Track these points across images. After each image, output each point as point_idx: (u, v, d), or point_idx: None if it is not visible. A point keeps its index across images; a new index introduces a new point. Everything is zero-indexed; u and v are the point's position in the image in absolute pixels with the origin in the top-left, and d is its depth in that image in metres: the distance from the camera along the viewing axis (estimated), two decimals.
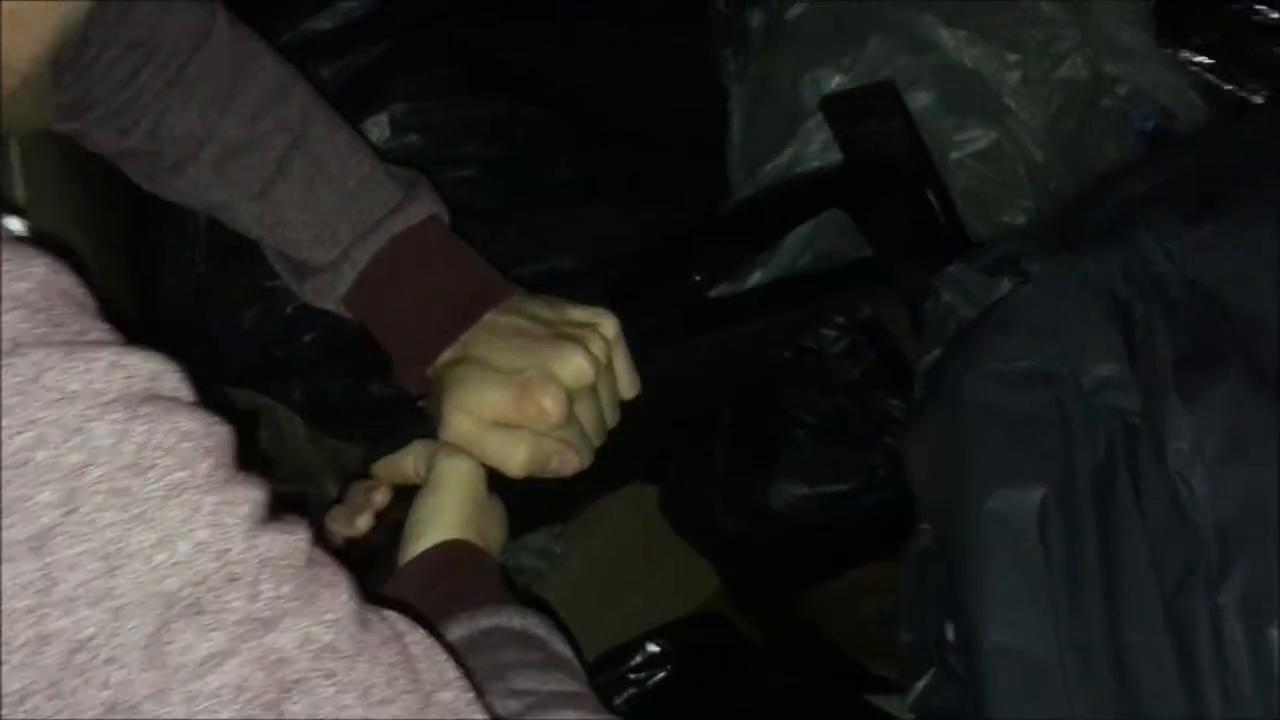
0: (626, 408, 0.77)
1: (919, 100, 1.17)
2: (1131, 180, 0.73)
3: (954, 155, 1.19)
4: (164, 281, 1.07)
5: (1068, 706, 0.57)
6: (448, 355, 0.73)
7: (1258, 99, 0.94)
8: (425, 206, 0.77)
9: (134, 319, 1.07)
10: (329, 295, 0.77)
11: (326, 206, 0.76)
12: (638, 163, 1.22)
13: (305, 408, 1.05)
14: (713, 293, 1.13)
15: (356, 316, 0.78)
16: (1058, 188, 1.19)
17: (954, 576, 0.62)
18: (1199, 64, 0.98)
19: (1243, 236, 0.63)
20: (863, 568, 1.23)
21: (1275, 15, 0.92)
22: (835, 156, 1.16)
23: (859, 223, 1.14)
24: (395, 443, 0.73)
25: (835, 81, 1.19)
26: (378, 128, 1.12)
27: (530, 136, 1.17)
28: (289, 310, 1.01)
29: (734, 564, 1.27)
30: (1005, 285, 0.69)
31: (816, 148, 1.17)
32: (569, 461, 0.71)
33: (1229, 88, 0.96)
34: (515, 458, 0.70)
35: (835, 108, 1.18)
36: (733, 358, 1.21)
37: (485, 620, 0.59)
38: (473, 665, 0.52)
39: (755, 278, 1.21)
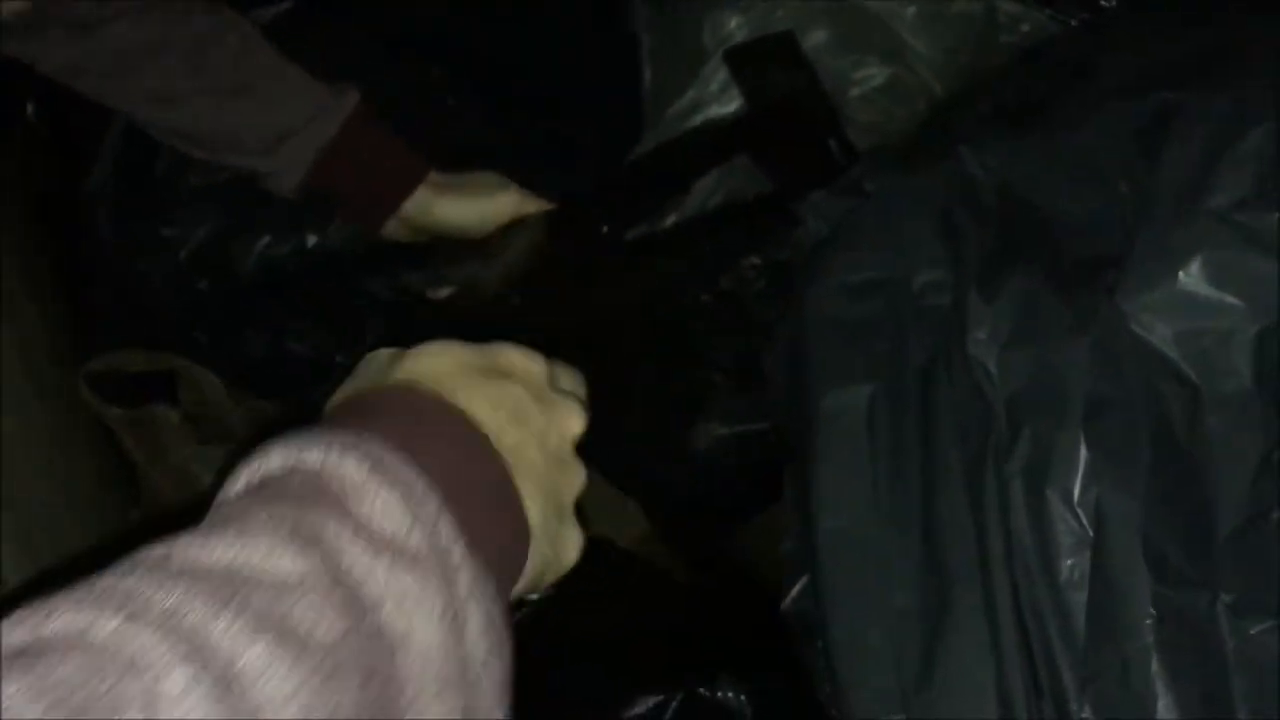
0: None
1: (816, 38, 1.20)
2: (963, 104, 0.77)
3: (854, 92, 1.21)
4: (81, 245, 1.08)
5: (886, 578, 0.61)
6: None
7: (1074, 23, 0.99)
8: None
9: (58, 288, 1.08)
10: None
11: None
12: (550, 123, 1.23)
13: (224, 367, 1.06)
14: (628, 236, 1.16)
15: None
16: None
17: (798, 475, 0.66)
18: None
19: (1045, 144, 0.67)
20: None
21: None
22: (733, 97, 1.19)
23: (764, 167, 1.17)
24: None
25: (733, 23, 1.21)
26: None
27: (438, 99, 1.18)
28: (182, 255, 1.00)
29: (659, 505, 1.30)
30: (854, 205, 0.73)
31: (715, 89, 1.20)
32: None
33: (1047, 12, 1.00)
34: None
35: (738, 58, 1.21)
36: (649, 300, 1.23)
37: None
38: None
39: (670, 220, 1.23)
